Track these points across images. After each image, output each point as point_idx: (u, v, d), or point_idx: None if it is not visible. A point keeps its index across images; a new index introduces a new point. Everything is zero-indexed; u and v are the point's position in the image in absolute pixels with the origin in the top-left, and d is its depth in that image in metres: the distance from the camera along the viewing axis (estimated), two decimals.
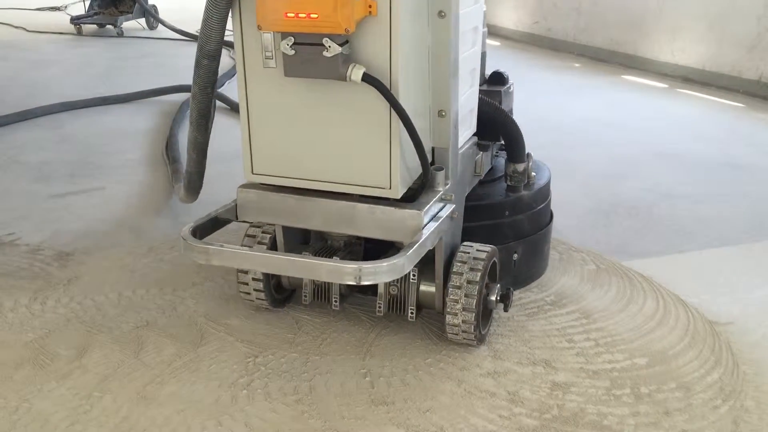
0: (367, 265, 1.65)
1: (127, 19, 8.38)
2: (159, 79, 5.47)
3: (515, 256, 2.30)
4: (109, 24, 8.32)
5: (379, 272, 1.66)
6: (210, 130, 2.10)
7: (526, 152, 2.35)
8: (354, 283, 1.67)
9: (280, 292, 2.22)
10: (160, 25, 8.52)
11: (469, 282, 1.92)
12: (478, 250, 1.99)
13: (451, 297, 1.92)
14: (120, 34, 8.21)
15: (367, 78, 1.64)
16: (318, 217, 1.88)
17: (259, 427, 1.71)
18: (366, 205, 1.82)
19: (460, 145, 2.03)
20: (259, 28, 1.64)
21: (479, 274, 1.93)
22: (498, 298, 2.05)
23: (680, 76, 6.06)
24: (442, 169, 1.91)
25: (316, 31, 1.59)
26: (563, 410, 1.79)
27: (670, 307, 2.28)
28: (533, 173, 2.40)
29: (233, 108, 4.68)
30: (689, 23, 6.00)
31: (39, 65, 6.42)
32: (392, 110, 1.69)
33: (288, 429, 1.70)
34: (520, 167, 2.31)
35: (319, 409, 1.78)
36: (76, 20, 8.40)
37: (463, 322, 1.92)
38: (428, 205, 1.83)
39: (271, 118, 1.83)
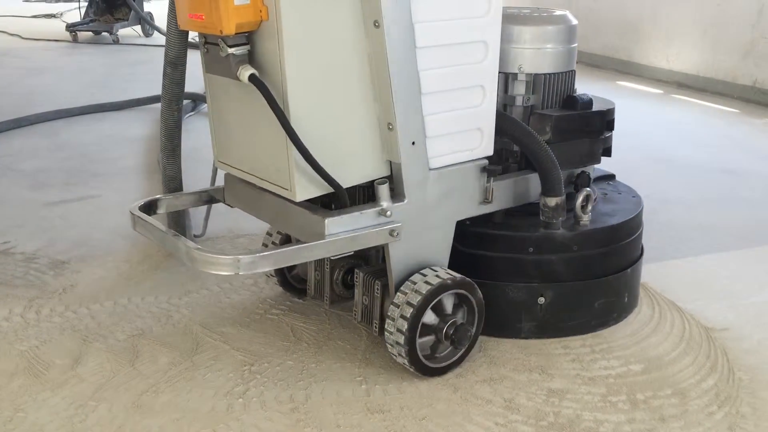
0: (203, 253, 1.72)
1: (123, 26, 8.39)
2: (154, 86, 5.46)
3: (541, 300, 2.07)
4: (104, 31, 8.34)
5: (214, 263, 1.71)
6: (179, 145, 2.15)
7: (587, 183, 2.16)
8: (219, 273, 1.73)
9: (299, 282, 2.31)
10: (155, 32, 8.52)
11: (408, 303, 1.84)
12: (435, 276, 1.87)
13: (389, 314, 1.87)
14: (116, 42, 8.21)
15: (253, 80, 1.67)
16: (267, 211, 1.97)
17: None
18: (290, 205, 1.84)
19: (440, 164, 1.91)
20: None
21: (420, 298, 1.83)
22: (447, 333, 1.89)
23: (675, 82, 6.09)
24: (385, 182, 1.83)
25: (204, 31, 1.73)
26: (559, 417, 1.79)
27: (666, 314, 2.28)
28: (587, 209, 2.10)
29: None
30: (684, 29, 6.02)
31: (34, 73, 6.42)
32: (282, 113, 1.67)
33: None
34: (551, 201, 2.02)
35: (314, 417, 1.77)
36: (71, 27, 8.41)
37: (396, 342, 1.85)
38: (342, 216, 1.77)
39: (219, 111, 1.95)
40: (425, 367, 1.90)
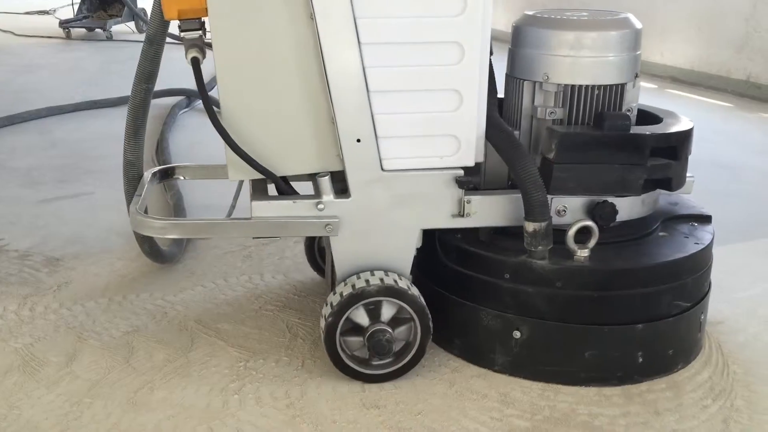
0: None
1: (117, 23, 8.36)
2: None
3: (516, 333, 1.86)
4: (98, 28, 8.31)
5: (137, 224, 1.90)
6: (144, 129, 2.20)
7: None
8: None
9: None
10: None
11: (330, 304, 1.85)
12: (365, 280, 1.82)
13: (323, 310, 1.89)
14: (109, 38, 8.18)
15: (192, 62, 1.80)
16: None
17: (250, 431, 1.71)
18: (250, 184, 1.94)
19: (397, 167, 1.83)
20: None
21: (339, 299, 1.82)
22: (367, 340, 1.84)
23: (669, 77, 6.09)
24: (326, 175, 1.83)
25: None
26: (554, 411, 1.79)
27: None
28: (587, 244, 1.81)
29: None
30: (678, 24, 6.03)
31: (27, 69, 6.39)
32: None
33: None
34: (529, 227, 1.79)
35: (310, 413, 1.77)
36: (64, 24, 8.37)
37: (322, 337, 1.87)
38: (272, 201, 1.83)
39: None
40: (350, 370, 1.87)
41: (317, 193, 1.86)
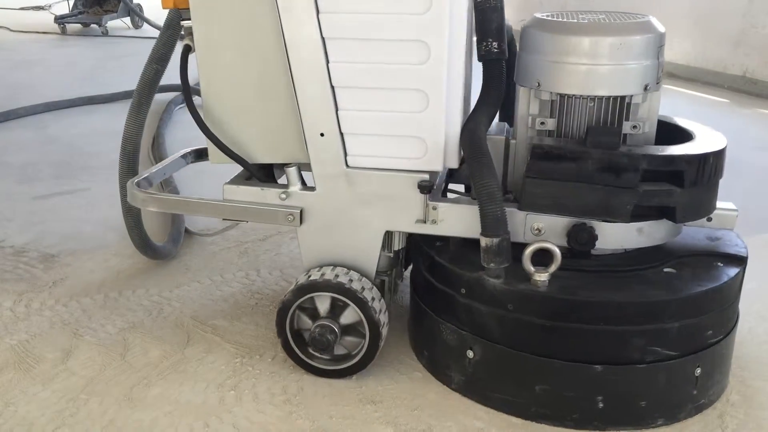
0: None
1: (112, 18, 8.34)
2: None
3: (470, 353, 1.75)
4: (93, 23, 8.29)
5: (130, 194, 2.01)
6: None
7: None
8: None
9: None
10: (145, 24, 8.47)
11: (289, 291, 1.86)
12: (321, 274, 1.82)
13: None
14: (105, 34, 8.16)
15: (183, 49, 1.88)
16: None
17: (246, 428, 1.70)
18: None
19: (360, 165, 1.80)
20: None
21: (293, 288, 1.84)
22: (310, 335, 1.84)
23: (666, 72, 6.09)
24: (293, 166, 1.86)
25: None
26: None
27: None
28: (547, 269, 1.66)
29: None
30: (675, 19, 6.03)
31: (23, 65, 6.37)
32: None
33: (276, 430, 1.70)
34: (482, 241, 1.65)
35: (307, 409, 1.77)
36: (60, 20, 8.35)
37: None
38: (241, 186, 1.89)
39: None
40: (301, 361, 1.90)
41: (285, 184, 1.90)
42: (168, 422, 1.72)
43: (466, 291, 1.74)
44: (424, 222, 1.81)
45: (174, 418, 1.73)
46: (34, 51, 7.15)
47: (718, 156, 1.69)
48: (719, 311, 1.71)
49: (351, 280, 1.82)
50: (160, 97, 4.82)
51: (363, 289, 1.82)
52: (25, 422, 1.71)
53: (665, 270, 1.75)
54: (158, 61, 2.14)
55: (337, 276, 1.82)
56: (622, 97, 1.73)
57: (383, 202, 1.83)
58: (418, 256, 1.94)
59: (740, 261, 1.81)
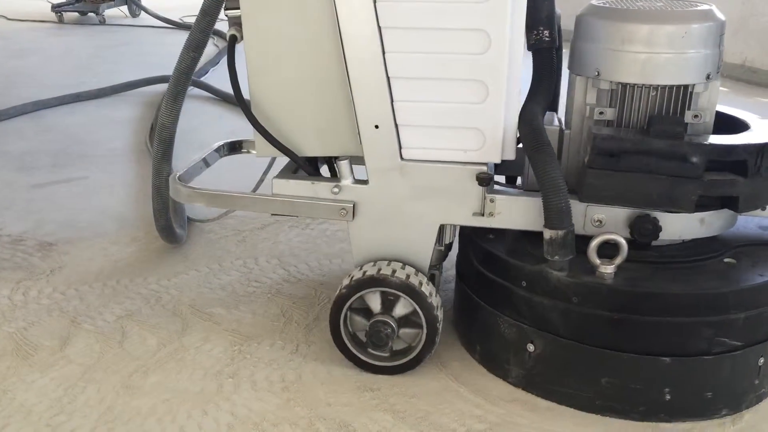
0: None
1: (109, 7, 8.30)
2: (141, 67, 5.42)
3: (530, 347, 1.74)
4: (90, 12, 8.24)
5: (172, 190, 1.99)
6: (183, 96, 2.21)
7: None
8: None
9: None
10: (142, 12, 8.43)
11: (342, 286, 1.82)
12: (379, 270, 1.78)
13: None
14: (102, 22, 8.12)
15: (229, 39, 1.84)
16: None
17: (244, 415, 1.70)
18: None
19: (416, 157, 1.78)
20: None
21: (349, 282, 1.80)
22: (368, 331, 1.80)
23: None
24: (345, 159, 1.82)
25: None
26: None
27: None
28: (613, 261, 1.65)
29: (220, 97, 4.65)
30: None
31: (19, 54, 6.34)
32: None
33: (274, 417, 1.70)
34: (546, 234, 1.65)
35: (305, 396, 1.77)
36: (57, 8, 8.30)
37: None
38: (291, 180, 1.85)
39: None
40: (356, 358, 1.86)
41: (338, 177, 1.85)
42: (166, 410, 1.72)
43: (528, 284, 1.72)
44: (482, 215, 1.78)
45: (172, 406, 1.73)
46: (30, 39, 7.11)
47: None
48: None
49: (408, 276, 1.78)
50: (157, 88, 4.81)
51: (421, 284, 1.79)
52: (23, 409, 1.71)
53: (725, 260, 1.75)
54: (195, 48, 2.12)
55: (394, 271, 1.78)
56: (685, 86, 1.70)
57: (438, 195, 1.79)
58: (469, 248, 1.91)
59: None
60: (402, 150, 1.78)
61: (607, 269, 1.66)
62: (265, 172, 2.25)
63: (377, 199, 1.82)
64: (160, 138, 2.23)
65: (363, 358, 1.86)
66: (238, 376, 1.84)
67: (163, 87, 4.73)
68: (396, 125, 1.76)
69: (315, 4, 1.71)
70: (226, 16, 1.83)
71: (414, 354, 1.82)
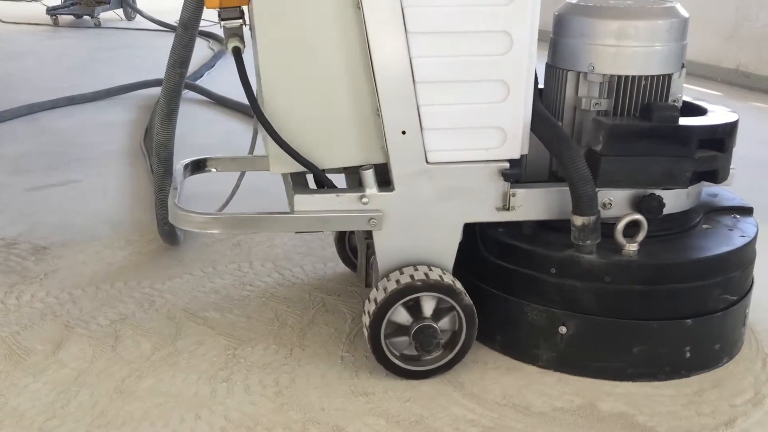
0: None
1: (105, 10, 8.29)
2: (136, 70, 5.42)
3: (562, 329, 1.83)
4: (86, 15, 8.24)
5: (182, 219, 1.84)
6: (176, 117, 2.19)
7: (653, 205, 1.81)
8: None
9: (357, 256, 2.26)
10: (138, 15, 8.43)
11: (375, 300, 1.80)
12: (409, 276, 1.78)
13: (364, 307, 1.86)
14: (97, 25, 8.12)
15: (234, 52, 1.76)
16: (285, 182, 1.97)
17: (238, 419, 1.70)
18: (287, 177, 1.89)
19: (441, 159, 1.79)
20: None
21: (384, 295, 1.78)
22: (415, 335, 1.79)
23: None
24: (370, 168, 1.78)
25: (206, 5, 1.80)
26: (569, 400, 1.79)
27: None
28: (635, 238, 1.80)
29: (214, 100, 4.65)
30: None
31: (14, 57, 6.34)
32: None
33: (267, 421, 1.69)
34: (577, 221, 1.76)
35: (299, 401, 1.77)
36: (52, 11, 8.30)
37: (367, 338, 1.83)
38: (315, 195, 1.79)
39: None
40: (397, 368, 1.83)
41: (360, 187, 1.81)
42: (159, 414, 1.71)
43: (558, 270, 1.82)
44: (507, 209, 1.83)
45: (165, 410, 1.73)
46: (25, 42, 7.10)
47: (737, 124, 1.93)
48: (754, 257, 1.96)
49: (441, 277, 1.79)
50: (152, 91, 4.81)
51: (453, 282, 1.81)
52: (16, 414, 1.71)
53: (704, 227, 1.97)
54: (180, 65, 2.10)
55: (427, 274, 1.79)
56: (669, 75, 1.88)
57: (462, 195, 1.82)
58: (479, 243, 1.94)
59: (749, 211, 2.07)
60: (427, 154, 1.79)
61: (633, 247, 1.80)
62: (233, 192, 2.27)
63: (404, 205, 1.81)
64: (160, 158, 2.25)
65: (409, 368, 1.84)
66: (231, 380, 1.84)
67: (157, 90, 4.74)
68: (421, 129, 1.77)
69: (334, 11, 1.69)
70: (223, 27, 1.76)
71: (458, 347, 1.84)
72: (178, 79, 2.13)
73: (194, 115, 4.30)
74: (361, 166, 1.80)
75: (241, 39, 1.75)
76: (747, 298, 1.93)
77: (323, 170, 1.81)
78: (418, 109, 1.75)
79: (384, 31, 1.69)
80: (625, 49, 1.83)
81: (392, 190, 1.80)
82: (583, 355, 1.85)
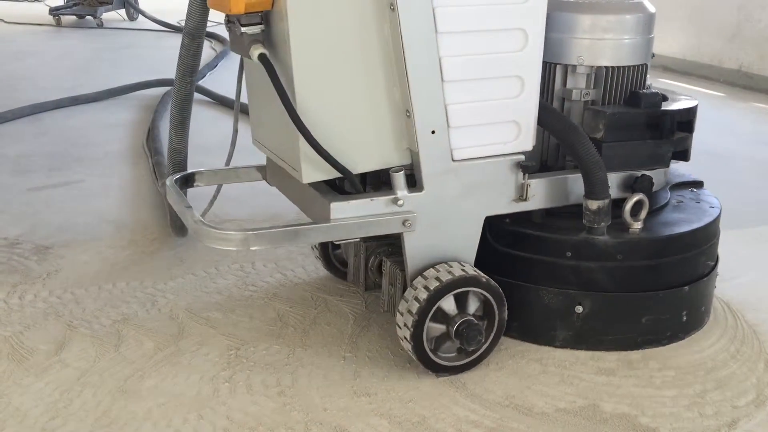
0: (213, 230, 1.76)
1: (107, 10, 8.31)
2: (139, 71, 5.42)
3: (579, 308, 1.93)
4: (88, 15, 8.25)
5: (214, 237, 1.75)
6: (189, 121, 2.18)
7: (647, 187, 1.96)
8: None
9: (343, 264, 2.30)
10: (140, 15, 8.44)
11: (416, 299, 1.79)
12: (447, 272, 1.80)
13: (400, 308, 1.84)
14: (100, 26, 8.13)
15: (262, 59, 1.69)
16: (293, 192, 1.99)
17: (240, 419, 1.70)
18: (307, 186, 1.84)
19: (465, 156, 1.83)
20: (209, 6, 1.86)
21: (427, 294, 1.78)
22: (458, 329, 1.81)
23: (661, 66, 6.09)
24: (401, 170, 1.78)
25: (217, 10, 1.75)
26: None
27: None
28: (639, 216, 1.93)
29: (216, 101, 4.65)
30: (670, 13, 6.02)
31: (17, 57, 6.34)
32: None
33: (270, 421, 1.70)
34: (593, 205, 1.87)
35: (301, 401, 1.77)
36: (54, 11, 8.31)
37: (404, 337, 1.82)
38: (350, 201, 1.75)
39: (251, 88, 2.01)
40: (434, 364, 1.84)
41: (389, 190, 1.81)
42: (162, 414, 1.72)
43: (573, 253, 1.92)
44: (525, 200, 1.91)
45: (168, 410, 1.73)
46: (28, 43, 7.11)
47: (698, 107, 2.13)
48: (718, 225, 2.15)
49: (467, 271, 1.82)
50: (155, 91, 4.81)
51: (480, 274, 1.84)
52: (19, 413, 1.71)
53: (675, 202, 2.16)
54: (190, 74, 2.11)
55: (462, 269, 1.82)
56: (645, 65, 2.05)
57: (483, 189, 1.88)
58: (486, 235, 1.96)
59: (700, 184, 2.32)
60: (453, 152, 1.82)
61: (638, 225, 1.94)
62: (212, 202, 2.27)
63: (432, 204, 1.83)
64: (174, 162, 2.27)
65: (445, 363, 1.86)
66: (234, 380, 1.84)
67: (159, 90, 4.74)
68: (448, 128, 1.80)
69: (367, 14, 1.69)
70: (244, 33, 1.69)
71: (488, 344, 1.88)
72: (189, 88, 2.14)
73: (196, 116, 4.28)
74: (390, 168, 1.80)
75: (263, 44, 1.71)
76: (717, 262, 2.14)
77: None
78: (446, 108, 1.78)
79: (418, 33, 1.71)
80: (613, 42, 1.97)
81: (421, 190, 1.81)
82: (598, 331, 1.96)
